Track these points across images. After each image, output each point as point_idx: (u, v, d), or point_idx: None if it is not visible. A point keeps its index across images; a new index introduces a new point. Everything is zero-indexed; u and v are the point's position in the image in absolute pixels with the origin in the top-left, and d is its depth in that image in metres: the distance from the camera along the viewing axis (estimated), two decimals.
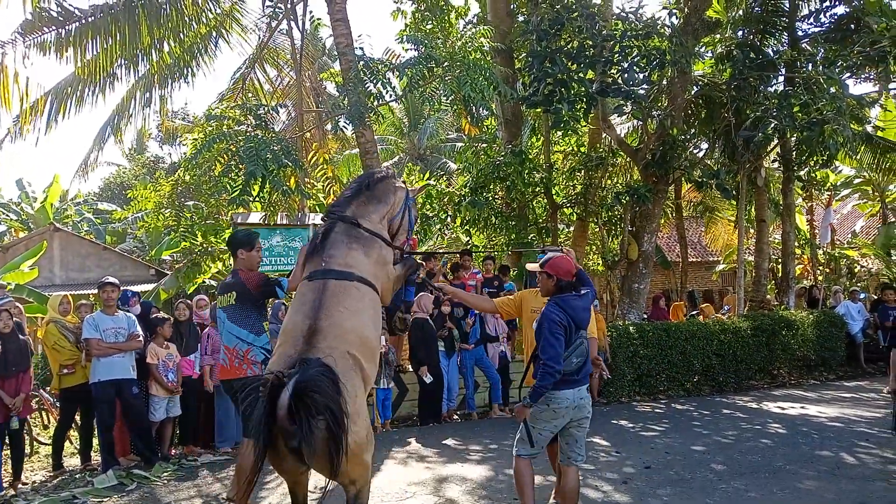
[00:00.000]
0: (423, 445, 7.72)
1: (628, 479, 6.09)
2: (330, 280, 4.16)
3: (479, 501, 5.57)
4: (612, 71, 11.36)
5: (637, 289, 12.53)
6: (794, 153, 14.28)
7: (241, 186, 9.43)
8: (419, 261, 5.17)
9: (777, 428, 8.17)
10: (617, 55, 11.03)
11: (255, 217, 11.21)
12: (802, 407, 9.53)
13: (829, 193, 19.57)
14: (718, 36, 13.96)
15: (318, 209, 13.21)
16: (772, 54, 12.84)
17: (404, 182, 5.35)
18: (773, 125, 11.49)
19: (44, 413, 9.29)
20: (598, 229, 14.05)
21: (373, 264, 4.41)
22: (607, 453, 7.07)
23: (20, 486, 6.72)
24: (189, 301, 8.77)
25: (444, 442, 7.84)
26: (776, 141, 13.46)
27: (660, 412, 9.51)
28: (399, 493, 5.87)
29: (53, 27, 10.55)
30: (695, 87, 13.30)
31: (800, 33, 13.60)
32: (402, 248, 4.91)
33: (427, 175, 15.68)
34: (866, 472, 6.17)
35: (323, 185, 13.83)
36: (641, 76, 11.32)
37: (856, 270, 20.49)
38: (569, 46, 11.12)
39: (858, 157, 16.43)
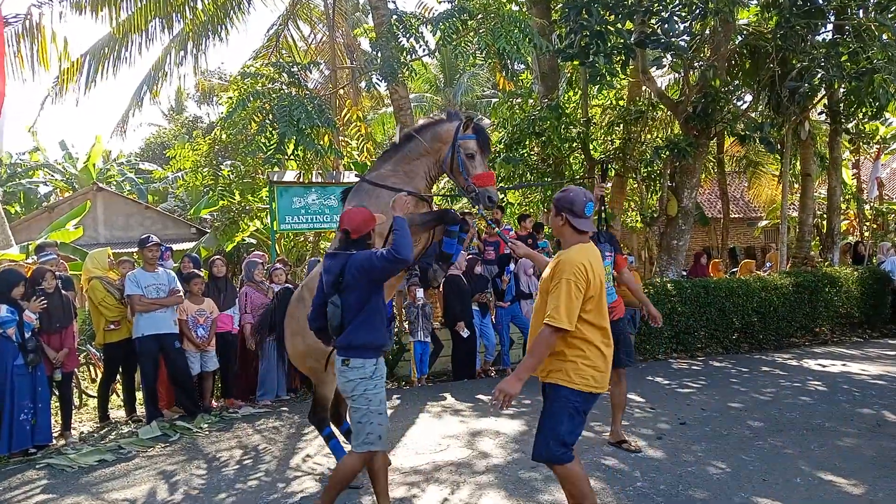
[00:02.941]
0: (457, 400, 7.80)
1: (663, 434, 6.07)
2: None
3: (511, 455, 5.61)
4: (652, 21, 11.00)
5: (676, 245, 12.32)
6: (841, 105, 13.77)
7: (275, 146, 9.45)
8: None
9: (817, 385, 8.05)
10: (657, 4, 10.65)
11: (291, 175, 11.27)
12: (844, 364, 9.36)
13: (878, 146, 18.88)
14: None
15: (352, 167, 13.23)
16: (820, 1, 12.30)
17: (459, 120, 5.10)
18: (820, 75, 11.05)
19: (91, 367, 9.60)
20: (636, 185, 13.81)
21: None
22: (642, 409, 7.05)
23: (69, 436, 6.97)
24: (223, 258, 8.89)
25: (477, 396, 7.90)
26: (823, 92, 12.97)
27: (697, 369, 9.44)
28: (433, 446, 5.95)
29: None
30: (739, 37, 12.83)
31: None
32: (465, 186, 5.02)
33: None
34: None
35: (357, 143, 13.82)
36: (682, 26, 10.93)
37: None
38: None
39: None
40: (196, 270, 8.23)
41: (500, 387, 3.46)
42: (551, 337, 3.46)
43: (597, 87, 12.00)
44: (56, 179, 26.36)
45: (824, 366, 9.33)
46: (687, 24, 10.96)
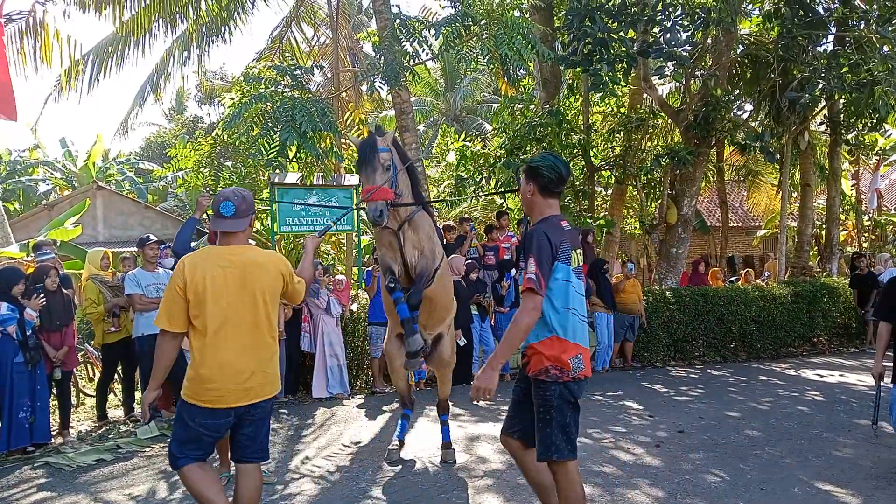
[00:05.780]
0: (454, 405, 7.78)
1: (661, 442, 6.08)
2: None
3: (509, 460, 5.60)
4: (654, 30, 11.05)
5: (675, 253, 12.36)
6: (841, 116, 13.83)
7: (276, 149, 9.44)
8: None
9: (815, 395, 8.07)
10: (659, 14, 10.71)
11: (293, 177, 11.27)
12: (841, 374, 9.39)
13: (878, 158, 18.97)
14: None
15: (353, 170, 13.24)
16: (822, 12, 12.36)
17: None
18: (820, 86, 11.11)
19: (89, 366, 9.59)
20: (636, 192, 13.84)
21: None
22: (640, 417, 7.07)
23: (67, 435, 6.96)
24: None
25: (475, 402, 7.88)
26: (823, 103, 13.03)
27: (695, 377, 9.45)
28: (432, 450, 5.95)
29: None
30: (740, 47, 12.89)
31: None
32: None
33: (462, 136, 15.56)
34: None
35: None
36: (684, 36, 10.99)
37: None
38: (609, 4, 10.82)
39: None
40: None
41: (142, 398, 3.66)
42: (161, 338, 3.61)
43: (598, 94, 12.07)
44: (56, 177, 26.34)
45: (822, 376, 9.36)
46: (689, 34, 11.02)
